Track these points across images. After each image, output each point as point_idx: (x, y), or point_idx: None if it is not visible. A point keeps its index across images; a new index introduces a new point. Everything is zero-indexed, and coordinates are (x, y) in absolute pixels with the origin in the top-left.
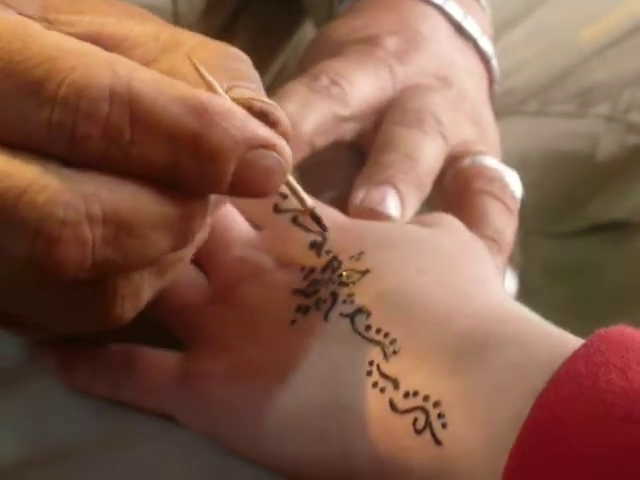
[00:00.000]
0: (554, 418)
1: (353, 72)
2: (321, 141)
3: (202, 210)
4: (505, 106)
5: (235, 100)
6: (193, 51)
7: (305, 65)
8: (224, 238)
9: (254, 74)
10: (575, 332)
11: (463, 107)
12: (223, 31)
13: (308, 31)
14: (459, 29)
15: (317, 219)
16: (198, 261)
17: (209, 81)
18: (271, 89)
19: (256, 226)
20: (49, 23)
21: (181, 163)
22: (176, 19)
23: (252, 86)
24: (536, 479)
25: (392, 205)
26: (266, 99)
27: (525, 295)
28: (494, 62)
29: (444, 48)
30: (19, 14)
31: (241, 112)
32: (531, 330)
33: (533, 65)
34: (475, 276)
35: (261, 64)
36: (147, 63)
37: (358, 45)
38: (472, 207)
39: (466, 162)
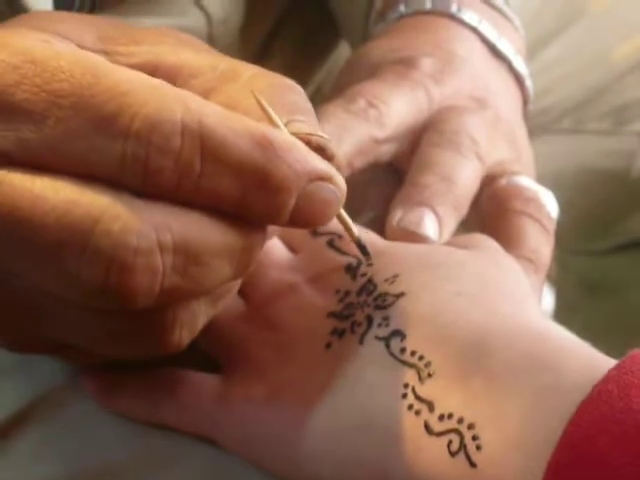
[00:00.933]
0: (587, 438)
1: (389, 94)
2: (359, 162)
3: (262, 241)
4: (539, 125)
5: (294, 134)
6: (251, 82)
7: (341, 86)
8: (261, 261)
9: (309, 106)
10: (611, 349)
11: (499, 127)
12: (258, 54)
13: (342, 53)
14: (493, 50)
15: (362, 247)
16: None
17: (270, 115)
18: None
19: (292, 249)
20: (107, 54)
21: (248, 195)
22: (211, 42)
23: (309, 120)
24: None
25: (429, 227)
26: (322, 133)
27: (562, 312)
28: (528, 83)
29: (479, 69)
30: (80, 47)
31: (302, 146)
32: (565, 351)
33: (567, 84)
34: (511, 297)
35: (298, 82)
36: (206, 92)
37: (394, 66)
38: (509, 227)
39: (502, 182)
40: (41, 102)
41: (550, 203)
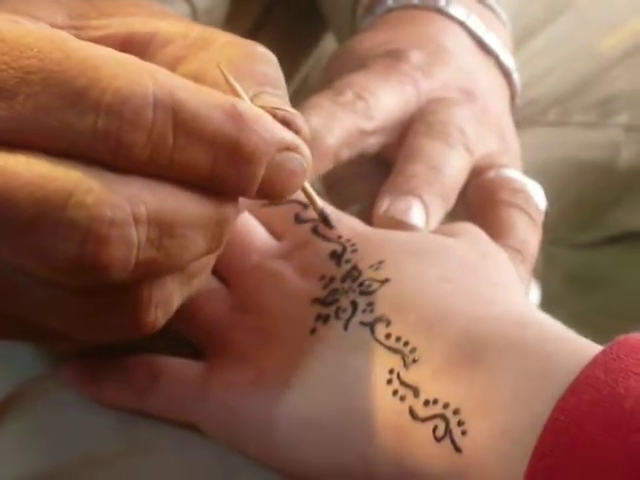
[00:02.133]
0: (574, 423)
1: (378, 86)
2: (346, 154)
3: (234, 213)
4: (525, 117)
5: (261, 107)
6: (222, 50)
7: (329, 78)
8: (245, 247)
9: (279, 78)
10: (597, 342)
11: (487, 120)
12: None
13: (329, 43)
14: (481, 44)
15: (325, 219)
16: (218, 270)
17: (235, 88)
18: (293, 102)
19: (276, 236)
20: (78, 30)
21: (220, 167)
22: None
23: (278, 92)
24: None
25: (416, 215)
26: (289, 108)
27: (547, 305)
28: (515, 76)
29: (468, 63)
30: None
31: (269, 117)
32: (551, 337)
33: (553, 75)
34: (496, 284)
35: (285, 73)
36: (177, 60)
37: (383, 59)
38: (497, 218)
39: (491, 174)
40: (10, 79)
41: (538, 195)
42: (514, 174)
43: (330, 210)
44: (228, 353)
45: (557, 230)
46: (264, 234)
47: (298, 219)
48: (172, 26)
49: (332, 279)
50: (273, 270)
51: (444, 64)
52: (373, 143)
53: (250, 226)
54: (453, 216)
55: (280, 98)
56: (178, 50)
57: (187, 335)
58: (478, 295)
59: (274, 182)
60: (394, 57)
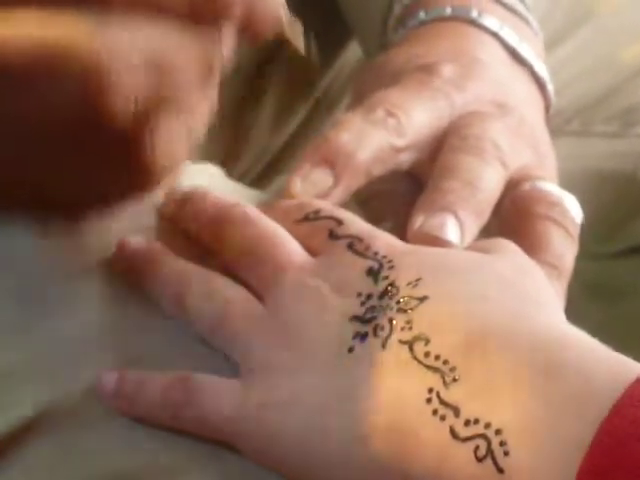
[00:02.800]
0: (618, 443)
1: (409, 102)
2: (377, 170)
3: (217, 45)
4: (549, 127)
5: None
6: None
7: (361, 93)
8: (280, 264)
9: None
10: (623, 353)
11: (521, 132)
12: (264, 56)
13: (349, 57)
14: (514, 55)
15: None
16: (254, 288)
17: None
18: (315, 112)
19: (311, 252)
20: None
21: None
22: None
23: None
24: None
25: (452, 231)
26: None
27: (570, 317)
28: (550, 87)
29: (502, 74)
30: None
31: None
32: (592, 356)
33: (575, 86)
34: (534, 301)
35: (304, 85)
36: None
37: (415, 73)
38: (532, 232)
39: (526, 187)
40: None
41: (574, 208)
42: (550, 187)
43: (352, 218)
44: (264, 371)
45: (579, 241)
46: (299, 250)
47: (333, 235)
48: None
49: (369, 296)
50: (309, 287)
51: (477, 77)
52: (405, 160)
53: (285, 243)
54: (486, 230)
55: None
56: None
57: (223, 350)
58: (517, 312)
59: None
60: (427, 72)
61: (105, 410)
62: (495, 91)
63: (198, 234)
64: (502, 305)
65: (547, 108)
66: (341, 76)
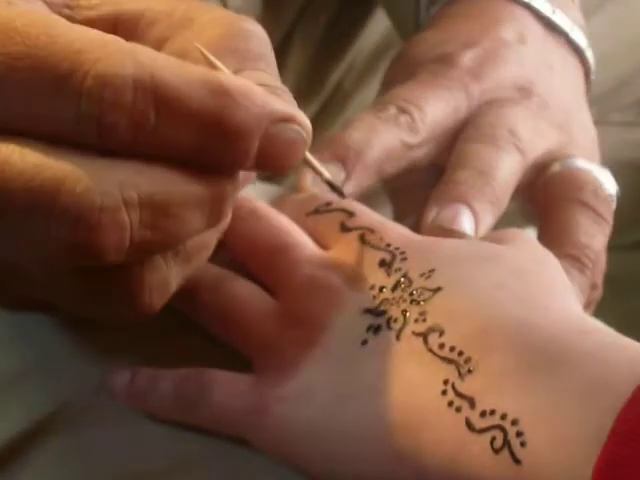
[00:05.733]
0: (638, 433)
1: (423, 97)
2: (390, 168)
3: (232, 187)
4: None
5: None
6: (204, 29)
7: (386, 84)
8: (292, 258)
9: (266, 54)
10: None
11: (545, 115)
12: (278, 49)
13: (363, 47)
14: (549, 24)
15: (336, 188)
16: (266, 283)
17: (217, 66)
18: (326, 107)
19: (323, 246)
20: (70, 9)
21: (207, 144)
22: None
23: (260, 67)
24: None
25: (465, 223)
26: (275, 83)
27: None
28: (588, 53)
29: (528, 52)
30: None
31: (259, 90)
32: (610, 344)
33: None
34: (549, 291)
35: (316, 80)
36: (162, 41)
37: (432, 65)
38: (558, 222)
39: (556, 168)
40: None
41: (607, 181)
42: (580, 164)
43: (363, 209)
44: (278, 366)
45: None
46: (310, 244)
47: (344, 227)
48: (159, 4)
49: (382, 288)
50: (321, 280)
51: (499, 61)
52: (422, 155)
53: (296, 236)
54: (525, 218)
55: (265, 73)
56: (164, 30)
57: (236, 346)
58: (533, 302)
59: (272, 154)
60: (443, 62)
61: (116, 409)
62: (517, 74)
63: None
64: (516, 295)
65: (587, 75)
66: (353, 70)
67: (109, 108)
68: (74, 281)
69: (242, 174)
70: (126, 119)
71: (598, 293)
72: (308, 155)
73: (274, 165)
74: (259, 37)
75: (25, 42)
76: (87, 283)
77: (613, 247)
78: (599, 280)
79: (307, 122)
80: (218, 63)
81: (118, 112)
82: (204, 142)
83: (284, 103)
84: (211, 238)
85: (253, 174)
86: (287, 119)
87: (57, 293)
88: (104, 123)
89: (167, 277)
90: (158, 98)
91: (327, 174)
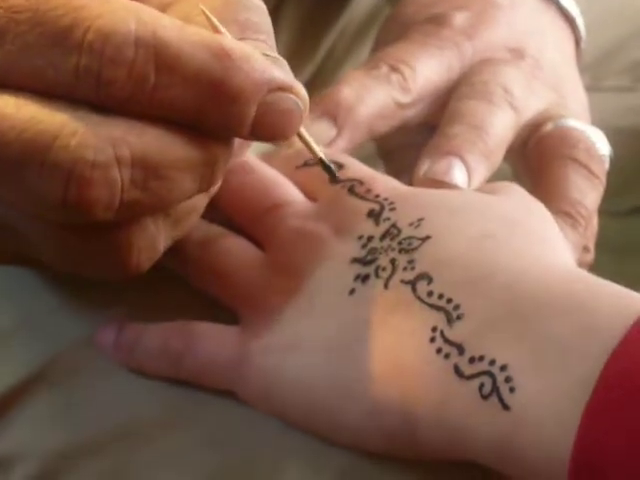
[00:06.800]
0: (627, 378)
1: (415, 56)
2: (382, 127)
3: (225, 154)
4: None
5: None
6: None
7: (377, 46)
8: (280, 210)
9: (265, 24)
10: None
11: (538, 76)
12: (271, 10)
13: (355, 14)
14: None
15: (327, 168)
16: (253, 235)
17: (220, 30)
18: (319, 73)
19: (311, 197)
20: None
21: (204, 106)
22: None
23: (260, 37)
24: (610, 439)
25: (458, 175)
26: (273, 53)
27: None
28: (579, 21)
29: (519, 15)
30: None
31: (260, 56)
32: (600, 291)
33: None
34: (539, 240)
35: (308, 47)
36: (167, 5)
37: (424, 25)
38: (550, 178)
39: (549, 127)
40: None
41: (600, 141)
42: (573, 123)
43: (353, 162)
44: (264, 317)
45: None
46: (299, 195)
47: (334, 179)
48: None
49: (370, 238)
50: (309, 231)
51: (490, 22)
52: (414, 114)
53: (284, 188)
54: (517, 178)
55: (265, 44)
56: None
57: (222, 299)
58: (523, 250)
59: (267, 122)
60: (436, 22)
61: (105, 362)
62: (509, 36)
63: None
64: (506, 243)
65: (577, 42)
66: (345, 35)
67: (109, 63)
68: (63, 239)
69: (237, 142)
70: (125, 76)
71: (590, 256)
72: (303, 130)
73: (269, 134)
74: (260, 9)
75: None
76: (76, 242)
77: (609, 213)
78: (591, 243)
79: (305, 94)
80: (221, 27)
81: (118, 68)
82: (202, 104)
83: (283, 72)
84: (201, 202)
85: (248, 144)
86: (285, 88)
87: (46, 247)
88: (103, 78)
89: (155, 239)
90: (159, 57)
91: (320, 153)
